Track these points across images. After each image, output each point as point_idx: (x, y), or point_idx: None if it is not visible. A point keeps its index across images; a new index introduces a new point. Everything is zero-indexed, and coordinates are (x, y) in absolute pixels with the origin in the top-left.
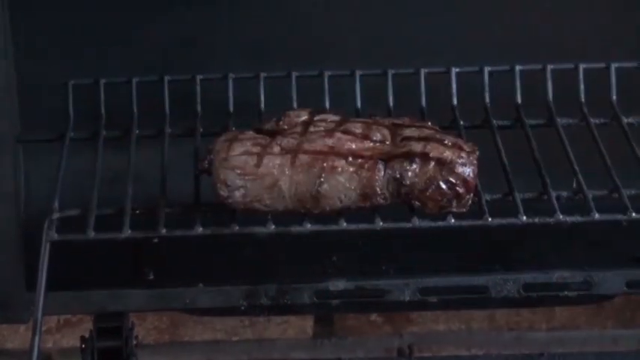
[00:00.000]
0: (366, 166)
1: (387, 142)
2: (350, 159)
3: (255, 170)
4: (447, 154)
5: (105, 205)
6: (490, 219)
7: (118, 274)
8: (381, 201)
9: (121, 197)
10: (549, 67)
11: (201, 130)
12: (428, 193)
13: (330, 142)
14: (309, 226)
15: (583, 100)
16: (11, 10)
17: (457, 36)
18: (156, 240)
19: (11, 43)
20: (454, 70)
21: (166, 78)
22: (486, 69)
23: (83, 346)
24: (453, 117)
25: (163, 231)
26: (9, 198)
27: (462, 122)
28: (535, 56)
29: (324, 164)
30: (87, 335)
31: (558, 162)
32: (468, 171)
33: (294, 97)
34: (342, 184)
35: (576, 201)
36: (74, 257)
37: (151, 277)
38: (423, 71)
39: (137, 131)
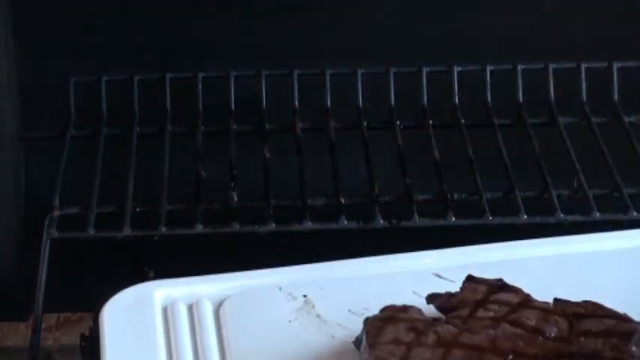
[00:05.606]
0: None
1: (563, 337)
2: (510, 358)
3: None
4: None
5: (106, 202)
6: (491, 218)
7: (119, 272)
8: None
9: (122, 195)
10: (551, 65)
11: (203, 128)
12: None
13: (493, 333)
14: (309, 225)
15: (585, 99)
16: (13, 7)
17: (459, 35)
18: (156, 238)
19: (13, 40)
20: (456, 69)
21: (168, 76)
22: (488, 68)
23: (83, 343)
24: (454, 115)
25: (164, 229)
26: (10, 195)
27: (463, 121)
28: (537, 55)
29: None
30: (87, 333)
31: (559, 161)
32: None
33: (296, 95)
34: None
35: (577, 200)
36: (74, 255)
37: (152, 275)
38: (424, 70)
39: (138, 129)
